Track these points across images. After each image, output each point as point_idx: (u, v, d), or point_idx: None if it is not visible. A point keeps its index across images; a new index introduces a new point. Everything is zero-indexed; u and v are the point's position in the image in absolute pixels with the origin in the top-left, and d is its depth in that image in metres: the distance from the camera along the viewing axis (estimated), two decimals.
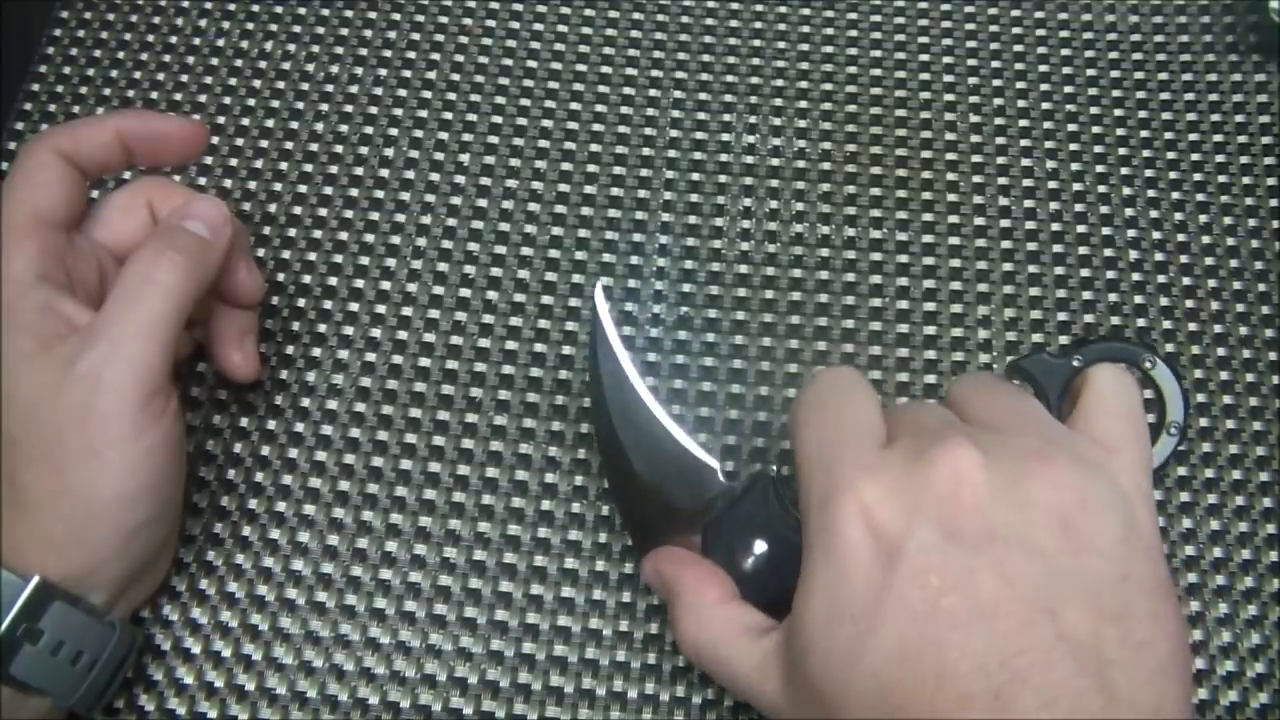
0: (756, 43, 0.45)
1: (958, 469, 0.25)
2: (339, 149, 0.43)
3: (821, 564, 0.25)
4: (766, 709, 0.28)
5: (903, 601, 0.24)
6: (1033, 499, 0.25)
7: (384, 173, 0.42)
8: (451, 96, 0.44)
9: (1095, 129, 0.44)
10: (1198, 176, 0.43)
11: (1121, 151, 0.43)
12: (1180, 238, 0.42)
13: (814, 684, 0.25)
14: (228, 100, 0.44)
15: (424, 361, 0.39)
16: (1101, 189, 0.43)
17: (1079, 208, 0.42)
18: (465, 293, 0.40)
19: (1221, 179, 0.43)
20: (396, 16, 0.46)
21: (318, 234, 0.41)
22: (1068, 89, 0.45)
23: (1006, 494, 0.24)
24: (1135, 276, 0.41)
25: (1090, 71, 0.45)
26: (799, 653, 0.26)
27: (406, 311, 0.40)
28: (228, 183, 0.42)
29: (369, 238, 0.41)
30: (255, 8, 0.45)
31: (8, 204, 0.32)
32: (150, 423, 0.31)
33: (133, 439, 0.31)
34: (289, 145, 0.43)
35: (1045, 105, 0.44)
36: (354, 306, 0.40)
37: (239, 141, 0.43)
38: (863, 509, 0.25)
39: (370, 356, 0.39)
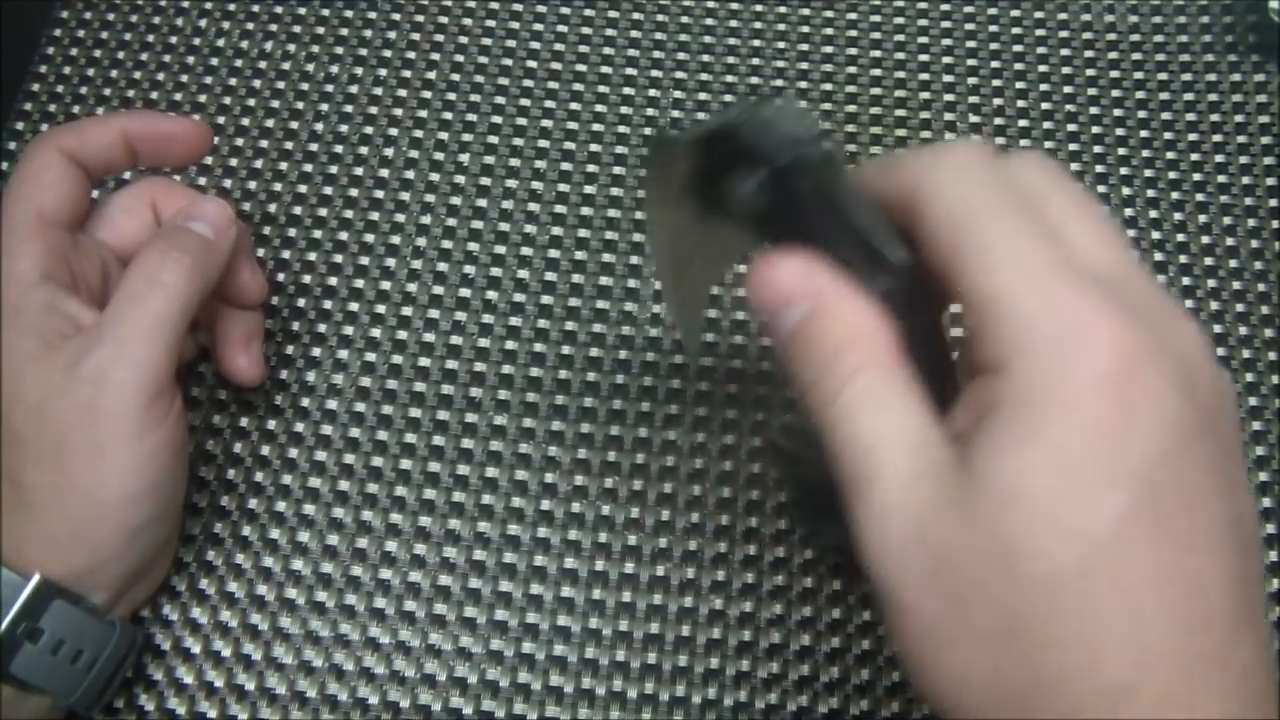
0: (756, 42, 0.46)
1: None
2: (339, 149, 0.43)
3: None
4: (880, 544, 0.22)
5: None
6: None
7: (384, 173, 0.43)
8: (451, 96, 0.44)
9: (1095, 129, 0.44)
10: (1197, 176, 0.43)
11: (1121, 151, 0.43)
12: (1180, 237, 0.42)
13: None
14: (227, 100, 0.44)
15: (424, 361, 0.39)
16: (1101, 189, 0.43)
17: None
18: (465, 293, 0.41)
19: (1221, 179, 0.43)
20: (396, 17, 0.46)
21: (317, 234, 0.41)
22: (1067, 89, 0.45)
23: None
24: None
25: (1090, 71, 0.45)
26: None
27: (406, 311, 0.40)
28: (227, 183, 0.42)
29: (369, 238, 0.41)
30: (255, 8, 0.46)
31: (12, 203, 0.32)
32: (154, 423, 0.31)
33: (137, 439, 0.31)
34: (289, 145, 0.43)
35: (1045, 105, 0.44)
36: (354, 306, 0.40)
37: (239, 141, 0.43)
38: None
39: (370, 356, 0.39)
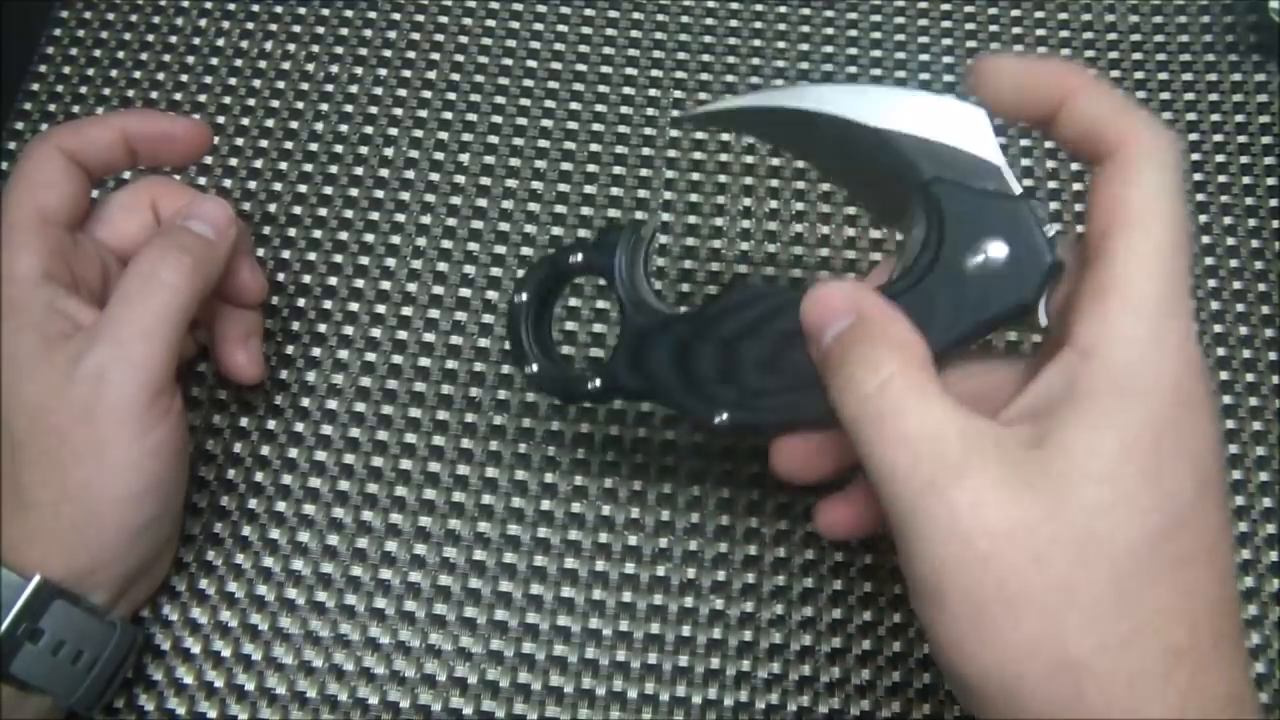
0: (757, 42, 0.45)
1: None
2: (339, 149, 0.43)
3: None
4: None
5: None
6: None
7: (384, 172, 0.42)
8: (451, 96, 0.44)
9: None
10: (1198, 176, 0.43)
11: None
12: None
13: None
14: (227, 100, 0.44)
15: (424, 361, 0.39)
16: None
17: (1079, 208, 0.42)
18: (465, 293, 0.40)
19: (1221, 179, 0.43)
20: (396, 16, 0.46)
21: (317, 234, 0.41)
22: None
23: None
24: None
25: (1090, 72, 0.45)
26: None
27: (406, 311, 0.40)
28: (227, 182, 0.42)
29: (369, 237, 0.41)
30: (255, 7, 0.45)
31: (12, 202, 0.32)
32: (154, 423, 0.31)
33: (137, 439, 0.31)
34: (289, 145, 0.43)
35: None
36: (354, 306, 0.40)
37: (238, 141, 0.43)
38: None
39: (370, 356, 0.39)
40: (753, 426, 0.30)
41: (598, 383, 0.31)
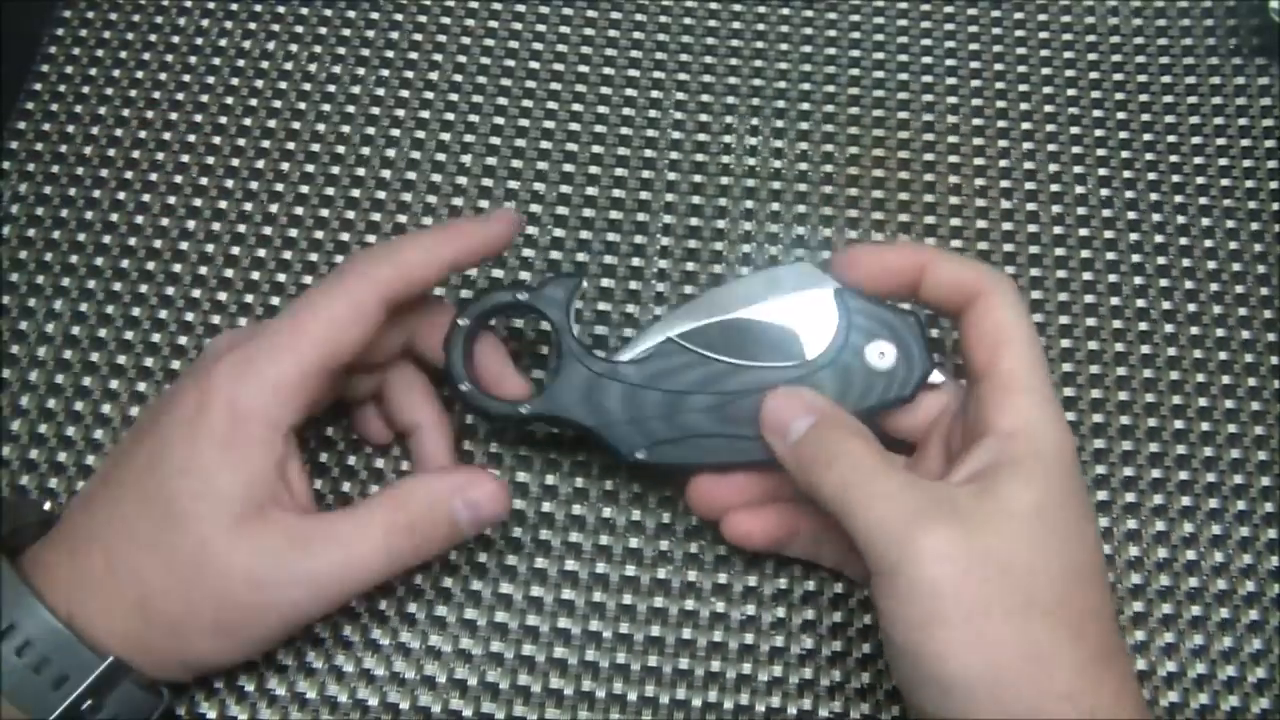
0: (759, 44, 0.45)
1: None
2: (341, 149, 0.43)
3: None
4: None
5: None
6: None
7: (386, 173, 0.42)
8: (454, 97, 0.44)
9: (1098, 132, 0.44)
10: (1200, 180, 0.43)
11: (1125, 154, 0.43)
12: (1183, 241, 0.42)
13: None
14: (230, 100, 0.44)
15: None
16: (1105, 192, 0.43)
17: (1081, 211, 0.42)
18: (466, 294, 0.40)
19: (1224, 182, 0.43)
20: (399, 17, 0.46)
21: (319, 235, 0.41)
22: (1070, 92, 0.45)
23: None
24: (1138, 280, 0.41)
25: (1093, 74, 0.45)
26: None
27: None
28: (229, 182, 0.42)
29: (371, 238, 0.41)
30: (258, 7, 0.45)
31: (305, 334, 0.31)
32: (291, 631, 0.31)
33: (268, 641, 0.31)
34: (291, 145, 0.43)
35: (1048, 108, 0.44)
36: None
37: (241, 141, 0.43)
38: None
39: None
40: (678, 465, 0.34)
41: (524, 410, 0.34)
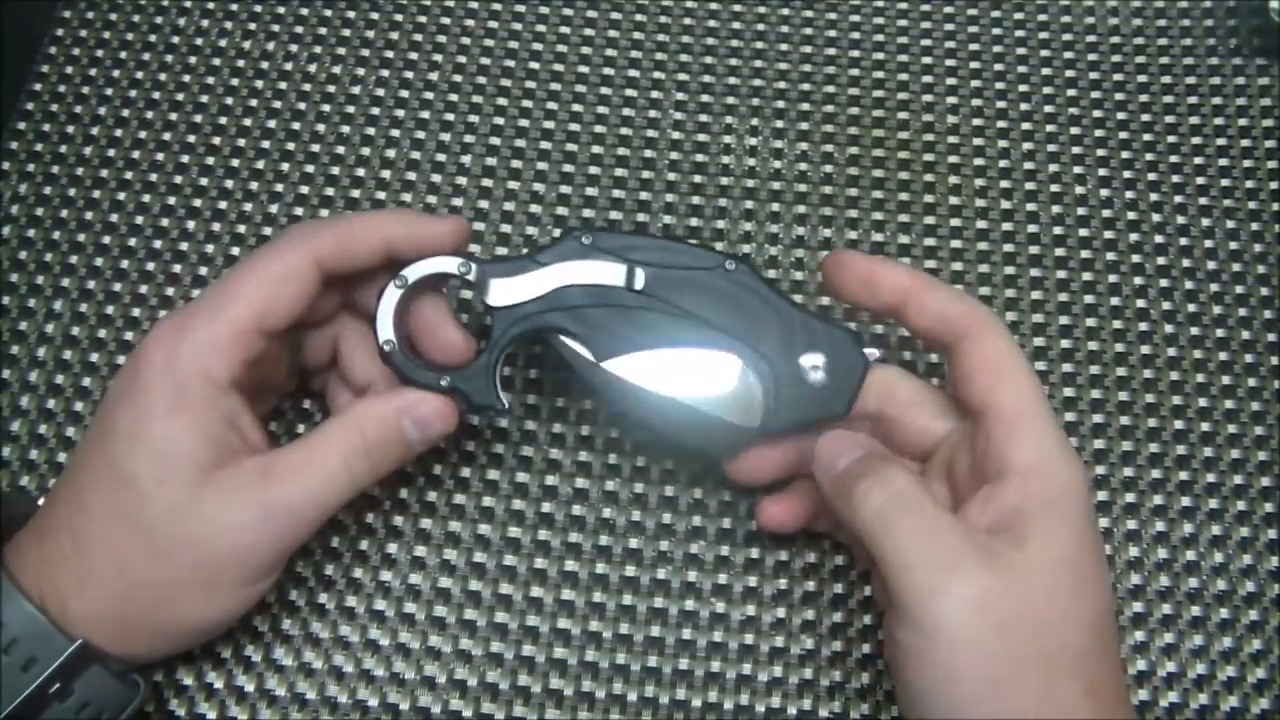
0: (759, 45, 0.45)
1: None
2: (341, 150, 0.43)
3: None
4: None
5: None
6: None
7: (386, 174, 0.42)
8: (454, 97, 0.44)
9: (1098, 132, 0.44)
10: (1201, 180, 0.43)
11: (1124, 155, 0.43)
12: (1183, 241, 0.42)
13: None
14: (229, 100, 0.44)
15: None
16: (1104, 193, 0.43)
17: (1081, 211, 0.42)
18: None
19: (1224, 182, 0.43)
20: (399, 18, 0.46)
21: None
22: (1070, 92, 0.45)
23: None
24: (1138, 280, 0.41)
25: (1094, 75, 0.45)
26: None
27: None
28: (229, 183, 0.42)
29: None
30: (258, 8, 0.45)
31: (239, 296, 0.31)
32: (268, 574, 0.32)
33: (248, 586, 0.31)
34: (291, 146, 0.43)
35: (1049, 108, 0.44)
36: None
37: (241, 142, 0.43)
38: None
39: None
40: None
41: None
